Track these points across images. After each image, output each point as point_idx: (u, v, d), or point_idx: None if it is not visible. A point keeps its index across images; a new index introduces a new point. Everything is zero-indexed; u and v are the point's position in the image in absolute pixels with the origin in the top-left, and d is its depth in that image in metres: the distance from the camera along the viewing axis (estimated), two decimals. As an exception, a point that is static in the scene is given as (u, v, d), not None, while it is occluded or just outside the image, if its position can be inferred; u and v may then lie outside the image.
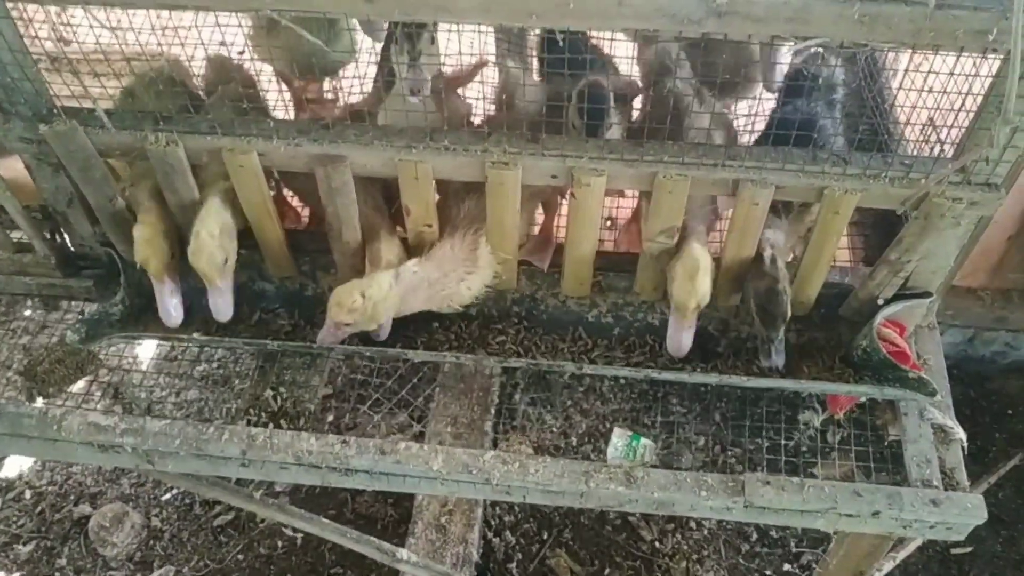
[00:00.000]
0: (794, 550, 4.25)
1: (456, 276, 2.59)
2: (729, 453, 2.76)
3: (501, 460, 2.50)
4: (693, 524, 4.33)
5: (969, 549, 4.29)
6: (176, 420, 2.58)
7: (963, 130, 2.28)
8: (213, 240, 2.51)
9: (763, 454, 2.68)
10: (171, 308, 2.64)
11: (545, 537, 4.30)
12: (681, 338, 2.56)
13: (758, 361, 2.67)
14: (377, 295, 2.45)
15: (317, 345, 2.61)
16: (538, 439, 2.79)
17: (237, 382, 2.98)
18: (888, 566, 3.60)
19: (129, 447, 2.55)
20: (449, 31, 2.80)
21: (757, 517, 2.51)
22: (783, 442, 2.71)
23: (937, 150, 2.38)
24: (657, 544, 4.27)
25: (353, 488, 4.34)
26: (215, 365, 3.71)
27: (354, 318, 2.48)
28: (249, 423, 2.72)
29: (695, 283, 2.46)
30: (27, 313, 3.11)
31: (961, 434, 2.57)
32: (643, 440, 2.58)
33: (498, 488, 2.52)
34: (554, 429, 2.83)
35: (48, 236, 2.86)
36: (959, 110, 2.23)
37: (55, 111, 2.42)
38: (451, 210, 2.66)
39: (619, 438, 2.59)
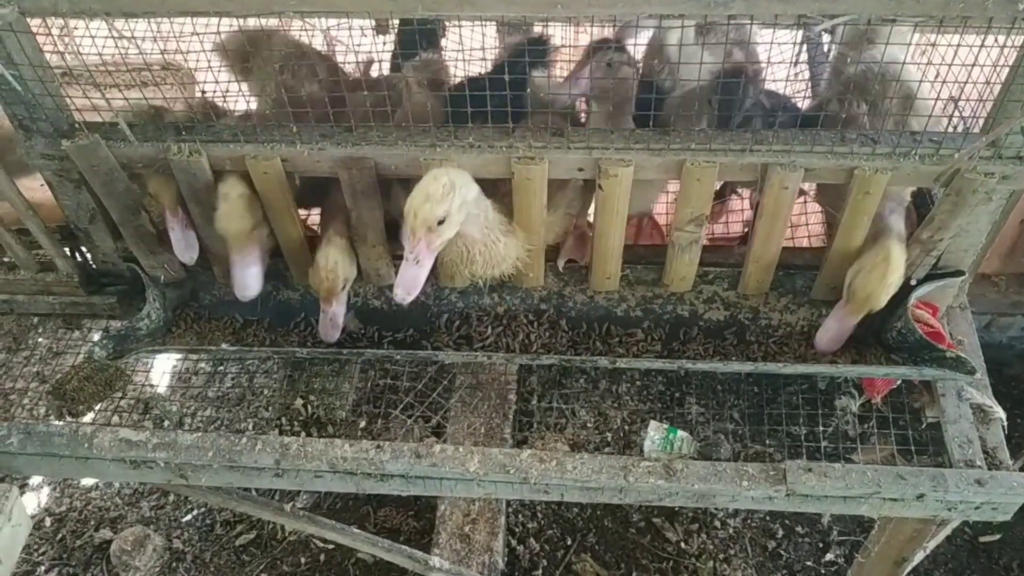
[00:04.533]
0: (822, 544, 4.22)
1: (500, 231, 2.45)
2: (767, 443, 2.74)
3: (538, 458, 2.48)
4: (718, 523, 4.30)
5: (997, 536, 4.26)
6: (208, 432, 2.55)
7: (986, 104, 2.27)
8: (243, 201, 2.46)
9: (802, 442, 2.66)
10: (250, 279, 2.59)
11: (569, 543, 4.26)
12: (841, 332, 2.51)
13: (790, 347, 2.69)
14: (467, 194, 2.24)
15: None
16: (573, 439, 2.76)
17: (267, 392, 2.95)
18: (918, 556, 3.57)
19: (162, 462, 2.53)
20: (460, 26, 2.78)
21: (799, 505, 2.49)
22: (820, 429, 2.69)
23: (960, 126, 2.37)
24: (683, 545, 4.23)
25: (375, 501, 4.32)
26: (241, 380, 3.67)
27: (445, 210, 2.19)
28: (281, 432, 2.69)
29: (885, 283, 2.38)
30: (41, 340, 3.09)
31: (1001, 413, 2.55)
32: (680, 432, 2.55)
33: (536, 487, 2.50)
34: (588, 425, 2.80)
35: (70, 254, 2.84)
36: (987, 83, 2.22)
37: (77, 126, 2.41)
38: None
39: (655, 431, 2.57)
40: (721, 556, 4.19)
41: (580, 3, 2.00)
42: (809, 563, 4.14)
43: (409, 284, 2.26)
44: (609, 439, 2.78)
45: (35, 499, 4.56)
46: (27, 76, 2.27)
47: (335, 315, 2.64)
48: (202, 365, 3.16)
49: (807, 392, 2.82)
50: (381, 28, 3.32)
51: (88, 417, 2.75)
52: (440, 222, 2.19)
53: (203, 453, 2.52)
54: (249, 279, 2.55)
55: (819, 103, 2.83)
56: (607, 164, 2.34)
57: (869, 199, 2.34)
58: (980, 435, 2.54)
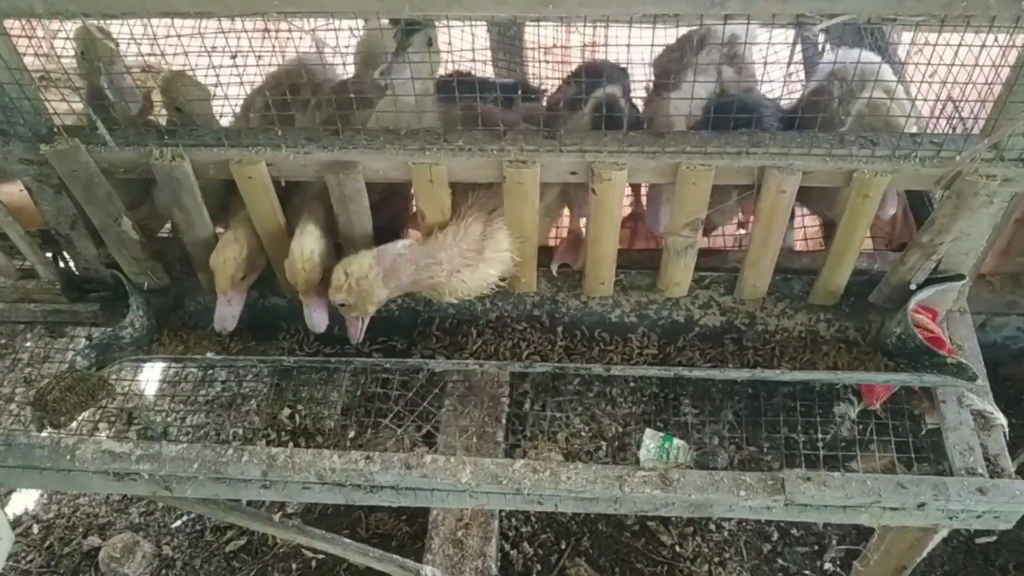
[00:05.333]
0: (817, 547, 4.19)
1: (449, 267, 2.45)
2: (764, 449, 2.69)
3: (531, 469, 2.43)
4: (713, 526, 4.26)
5: (993, 538, 4.22)
6: (193, 444, 2.50)
7: (986, 105, 2.23)
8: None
9: (799, 449, 2.61)
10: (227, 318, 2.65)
11: (563, 547, 4.21)
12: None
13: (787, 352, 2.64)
14: (358, 272, 2.39)
15: (353, 344, 2.56)
16: (566, 446, 2.72)
17: (254, 402, 2.90)
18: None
19: (146, 474, 2.47)
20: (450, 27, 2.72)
21: (798, 515, 2.44)
22: (818, 436, 2.65)
23: (960, 128, 2.33)
24: (677, 548, 4.19)
25: (367, 506, 4.27)
26: (231, 386, 3.62)
27: (344, 297, 2.42)
28: (268, 443, 2.64)
29: None
30: (28, 344, 3.03)
31: (1002, 419, 2.51)
32: (676, 441, 2.50)
33: (530, 498, 2.45)
34: (583, 433, 2.76)
35: (52, 260, 2.78)
36: (986, 83, 2.17)
37: (55, 130, 2.35)
38: (462, 198, 2.53)
39: (651, 440, 2.52)
40: (716, 560, 4.15)
41: (571, 3, 1.94)
42: (807, 572, 4.10)
43: (353, 336, 2.57)
44: (603, 446, 2.74)
45: (22, 506, 4.50)
46: (3, 79, 2.21)
47: (319, 307, 2.58)
48: (191, 371, 3.11)
49: (804, 396, 2.77)
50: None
51: (72, 427, 2.69)
52: (342, 305, 2.47)
53: (188, 465, 2.46)
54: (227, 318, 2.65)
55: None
56: (600, 168, 2.29)
57: (868, 202, 2.30)
58: (981, 442, 2.49)
